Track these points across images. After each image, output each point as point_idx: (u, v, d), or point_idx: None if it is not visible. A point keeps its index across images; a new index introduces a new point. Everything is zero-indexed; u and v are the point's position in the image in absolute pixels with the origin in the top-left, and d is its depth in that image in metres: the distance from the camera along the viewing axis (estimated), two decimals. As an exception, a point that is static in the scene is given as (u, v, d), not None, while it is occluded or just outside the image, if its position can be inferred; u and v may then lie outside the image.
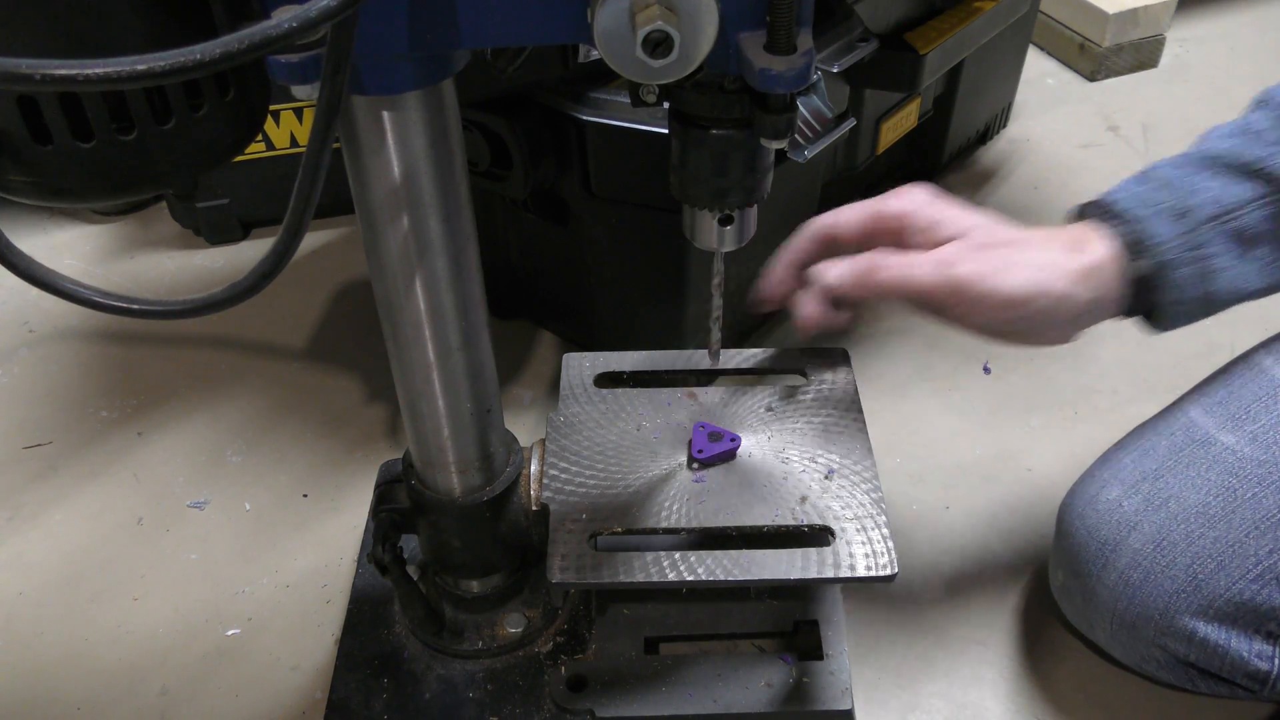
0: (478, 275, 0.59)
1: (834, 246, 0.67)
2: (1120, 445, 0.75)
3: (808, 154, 0.80)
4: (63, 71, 0.32)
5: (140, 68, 0.32)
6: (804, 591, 0.77)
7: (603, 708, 0.70)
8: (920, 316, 0.64)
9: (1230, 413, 0.70)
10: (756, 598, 0.77)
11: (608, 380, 0.77)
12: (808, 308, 0.66)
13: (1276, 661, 0.67)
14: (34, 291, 0.47)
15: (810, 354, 0.78)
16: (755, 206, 0.56)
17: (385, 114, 0.50)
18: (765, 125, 0.47)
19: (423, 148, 0.51)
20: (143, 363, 1.08)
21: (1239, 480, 0.67)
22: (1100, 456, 0.76)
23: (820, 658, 0.73)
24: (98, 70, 0.32)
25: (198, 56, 0.33)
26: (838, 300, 0.65)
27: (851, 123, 0.87)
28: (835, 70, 0.87)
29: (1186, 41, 1.60)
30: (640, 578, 0.64)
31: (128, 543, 0.90)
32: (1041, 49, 1.60)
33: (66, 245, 1.25)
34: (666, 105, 0.51)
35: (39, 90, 0.40)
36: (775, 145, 0.49)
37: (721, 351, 0.70)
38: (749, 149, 0.51)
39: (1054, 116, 1.45)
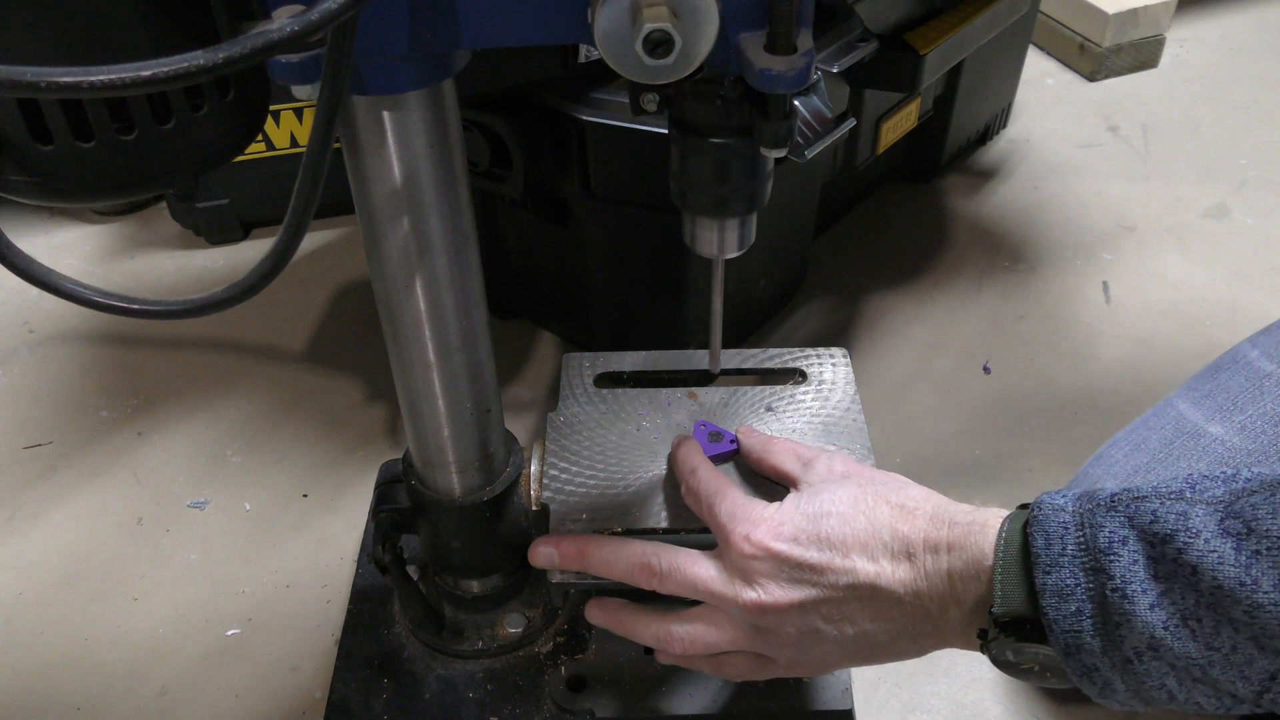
0: (478, 275, 0.59)
1: None
2: (1113, 441, 0.76)
3: (808, 154, 0.80)
4: (67, 79, 0.32)
5: (144, 74, 0.32)
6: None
7: (603, 708, 0.70)
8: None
9: (1218, 404, 0.71)
10: (756, 598, 0.77)
11: (608, 380, 0.77)
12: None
13: None
14: (34, 291, 0.47)
15: (810, 354, 0.78)
16: (755, 213, 0.55)
17: (385, 114, 0.50)
18: (765, 133, 0.47)
19: (423, 148, 0.51)
20: (143, 363, 1.08)
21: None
22: (1094, 454, 0.76)
23: (820, 658, 0.73)
24: (101, 78, 0.32)
25: (201, 62, 0.33)
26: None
27: (851, 123, 0.87)
28: (835, 70, 0.87)
29: (1186, 41, 1.60)
30: (640, 578, 0.64)
31: (128, 543, 0.90)
32: (1041, 49, 1.60)
33: (66, 245, 1.25)
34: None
35: (44, 98, 0.40)
36: (775, 154, 0.49)
37: (722, 353, 0.70)
38: (749, 157, 0.51)
39: (1054, 116, 1.45)
